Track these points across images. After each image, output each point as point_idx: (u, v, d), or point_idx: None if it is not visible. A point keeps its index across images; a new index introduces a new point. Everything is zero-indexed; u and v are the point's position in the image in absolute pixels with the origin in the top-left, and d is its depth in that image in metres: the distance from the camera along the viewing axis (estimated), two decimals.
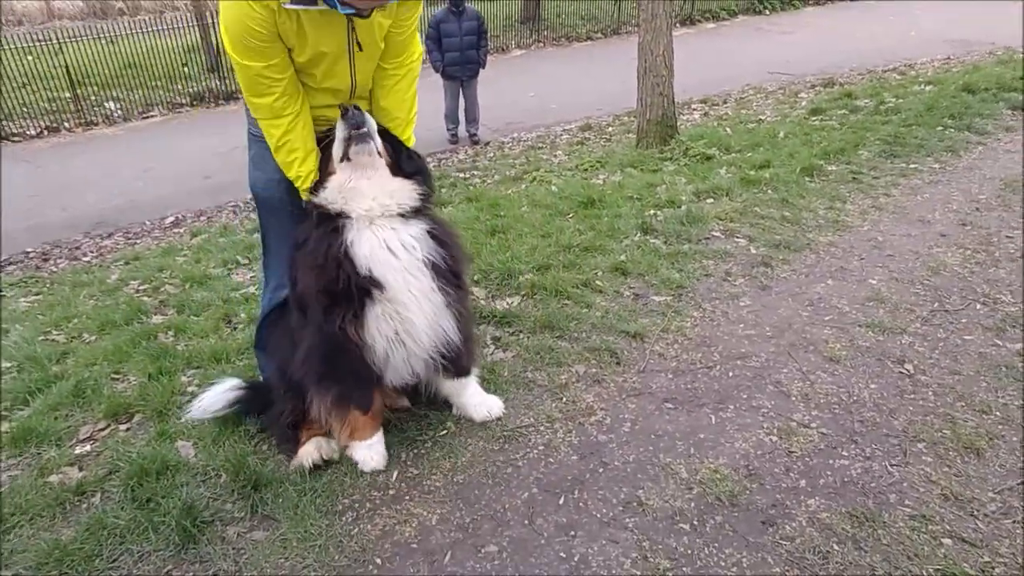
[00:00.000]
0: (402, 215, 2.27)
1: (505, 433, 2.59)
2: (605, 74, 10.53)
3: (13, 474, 2.56)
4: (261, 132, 2.31)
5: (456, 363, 2.51)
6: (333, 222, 2.23)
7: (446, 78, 8.68)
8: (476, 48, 8.64)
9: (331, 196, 2.23)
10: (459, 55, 8.46)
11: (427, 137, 8.37)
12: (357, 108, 2.17)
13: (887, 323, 3.19)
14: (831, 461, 2.41)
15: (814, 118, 7.03)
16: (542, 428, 2.62)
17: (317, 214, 2.27)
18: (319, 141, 2.34)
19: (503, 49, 14.15)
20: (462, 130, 9.26)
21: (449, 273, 2.34)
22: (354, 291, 2.19)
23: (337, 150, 2.20)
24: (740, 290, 3.53)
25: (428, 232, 2.30)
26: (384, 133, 2.33)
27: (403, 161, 2.36)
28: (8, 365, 3.43)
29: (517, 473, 2.41)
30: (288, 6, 1.97)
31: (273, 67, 2.11)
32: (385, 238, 2.22)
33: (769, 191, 4.73)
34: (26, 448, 2.69)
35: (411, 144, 2.48)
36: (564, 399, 2.77)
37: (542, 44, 14.77)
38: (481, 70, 8.89)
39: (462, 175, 7.62)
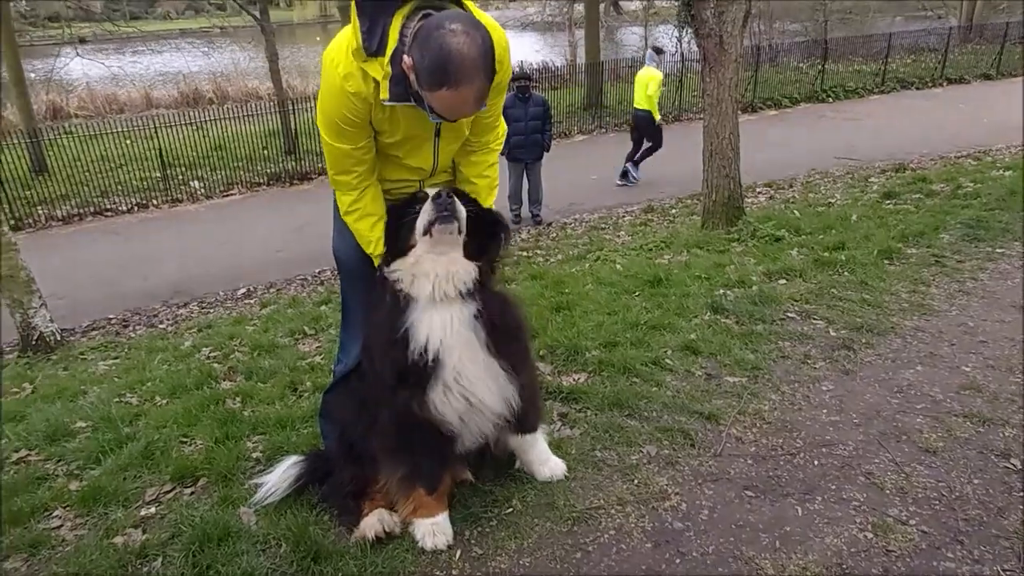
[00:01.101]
0: (461, 294, 2.27)
1: (574, 514, 2.45)
2: (667, 158, 10.64)
3: (80, 533, 2.57)
4: None
5: (522, 421, 2.50)
6: (400, 301, 2.25)
7: (511, 160, 8.93)
8: (541, 132, 8.91)
9: (400, 274, 2.26)
10: (524, 138, 8.72)
11: None
12: (450, 195, 2.20)
13: (986, 413, 2.95)
14: (935, 563, 2.18)
15: (888, 202, 6.86)
16: (613, 511, 2.48)
17: (389, 290, 2.29)
18: (396, 212, 2.37)
19: (566, 134, 14.56)
20: (525, 210, 9.44)
21: (509, 345, 2.33)
22: (418, 370, 2.20)
23: (421, 224, 2.23)
24: (821, 373, 3.35)
25: (482, 310, 2.28)
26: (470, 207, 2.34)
27: (481, 232, 2.34)
28: (84, 424, 3.51)
29: (587, 559, 2.27)
30: (387, 103, 2.06)
31: (359, 149, 2.20)
32: (445, 319, 2.22)
33: (845, 273, 4.57)
34: (94, 507, 2.70)
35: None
36: (636, 481, 2.63)
37: (604, 130, 15.15)
38: (545, 153, 9.12)
39: (525, 254, 7.69)
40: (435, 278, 2.22)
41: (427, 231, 2.21)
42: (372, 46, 2.00)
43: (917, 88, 17.84)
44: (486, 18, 2.11)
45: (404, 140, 2.23)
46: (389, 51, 2.00)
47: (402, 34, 1.98)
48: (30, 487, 2.91)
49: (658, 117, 10.07)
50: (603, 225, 8.86)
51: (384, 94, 2.04)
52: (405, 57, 1.94)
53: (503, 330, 2.31)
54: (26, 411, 3.96)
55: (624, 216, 9.22)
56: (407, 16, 1.99)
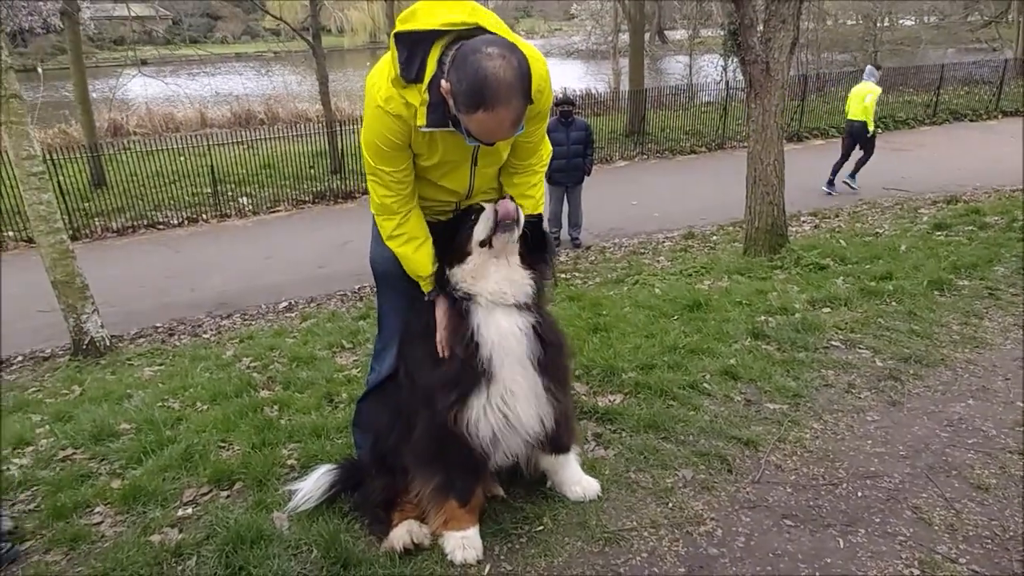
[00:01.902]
0: (517, 306, 2.29)
1: (606, 535, 2.41)
2: (709, 186, 10.59)
3: (119, 530, 2.62)
4: None
5: (555, 441, 2.50)
6: (460, 305, 2.27)
7: (552, 183, 8.96)
8: (583, 156, 8.93)
9: (461, 277, 2.28)
10: (565, 162, 8.75)
11: None
12: (513, 200, 2.24)
13: None
14: None
15: (939, 233, 6.67)
16: (646, 534, 2.42)
17: (445, 296, 2.30)
18: (451, 223, 2.40)
19: (607, 159, 14.59)
20: (564, 233, 9.44)
21: (554, 365, 2.34)
22: (473, 374, 2.21)
23: (480, 233, 2.25)
24: (866, 404, 3.24)
25: (537, 324, 2.32)
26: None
27: (534, 248, 2.37)
28: (128, 426, 3.61)
29: None
30: (423, 129, 2.10)
31: (401, 171, 2.24)
32: (505, 325, 2.25)
33: (893, 303, 4.44)
34: (134, 506, 2.75)
35: None
36: (670, 504, 2.57)
37: (646, 156, 15.13)
38: (586, 177, 9.14)
39: (564, 276, 7.68)
40: (497, 283, 2.26)
41: (487, 241, 2.24)
42: (411, 74, 2.04)
43: (971, 120, 17.41)
44: (528, 48, 2.13)
45: (441, 163, 2.27)
46: (427, 79, 2.04)
47: (440, 62, 2.02)
48: (74, 483, 2.99)
49: (872, 128, 10.62)
50: (642, 250, 8.81)
51: (421, 120, 2.08)
52: (443, 81, 1.98)
53: (551, 348, 2.32)
54: (74, 411, 4.09)
55: (664, 242, 9.15)
56: (445, 46, 2.03)
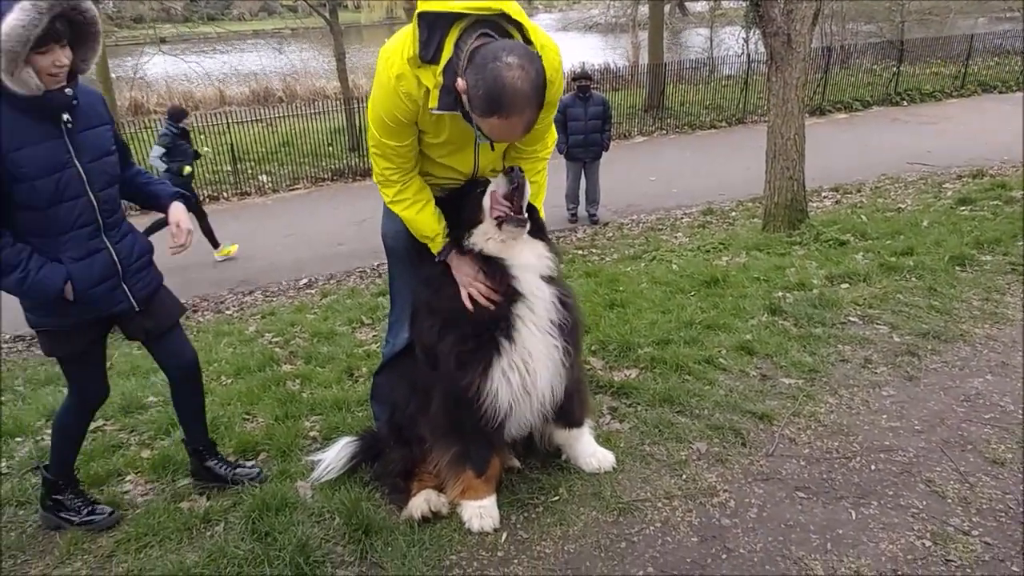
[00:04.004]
0: (543, 277, 2.36)
1: (620, 505, 2.46)
2: (728, 161, 10.46)
3: (149, 498, 2.72)
4: None
5: (569, 415, 2.55)
6: (493, 262, 2.31)
7: (569, 159, 8.93)
8: (601, 132, 8.86)
9: (481, 241, 2.32)
10: (583, 138, 8.70)
11: (547, 215, 8.60)
12: (521, 171, 2.28)
13: None
14: None
15: (962, 208, 6.57)
16: (659, 504, 2.47)
17: (469, 255, 2.34)
18: (449, 198, 2.43)
19: (626, 135, 14.46)
20: (582, 210, 9.42)
21: (570, 334, 2.39)
22: (494, 336, 2.27)
23: (489, 207, 2.29)
24: (882, 379, 3.24)
25: (560, 295, 2.38)
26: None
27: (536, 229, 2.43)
28: (155, 399, 3.71)
29: (632, 549, 2.27)
30: (435, 111, 2.12)
31: (404, 147, 2.28)
32: (536, 291, 2.32)
33: (913, 279, 4.40)
34: (163, 475, 2.86)
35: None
36: (684, 476, 2.61)
37: (664, 131, 14.97)
38: (604, 153, 9.08)
39: (581, 252, 7.69)
40: (522, 253, 2.32)
41: (498, 225, 2.29)
42: (428, 55, 2.06)
43: (1000, 92, 16.96)
44: (542, 35, 2.14)
45: (447, 143, 2.30)
46: (443, 62, 2.05)
47: (457, 47, 2.03)
48: (105, 453, 3.10)
49: None
50: (660, 226, 8.78)
51: (433, 103, 2.10)
52: (459, 80, 2.01)
53: (570, 320, 2.37)
54: None
55: (682, 218, 9.10)
56: (464, 30, 2.04)
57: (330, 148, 13.63)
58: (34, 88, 2.09)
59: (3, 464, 3.12)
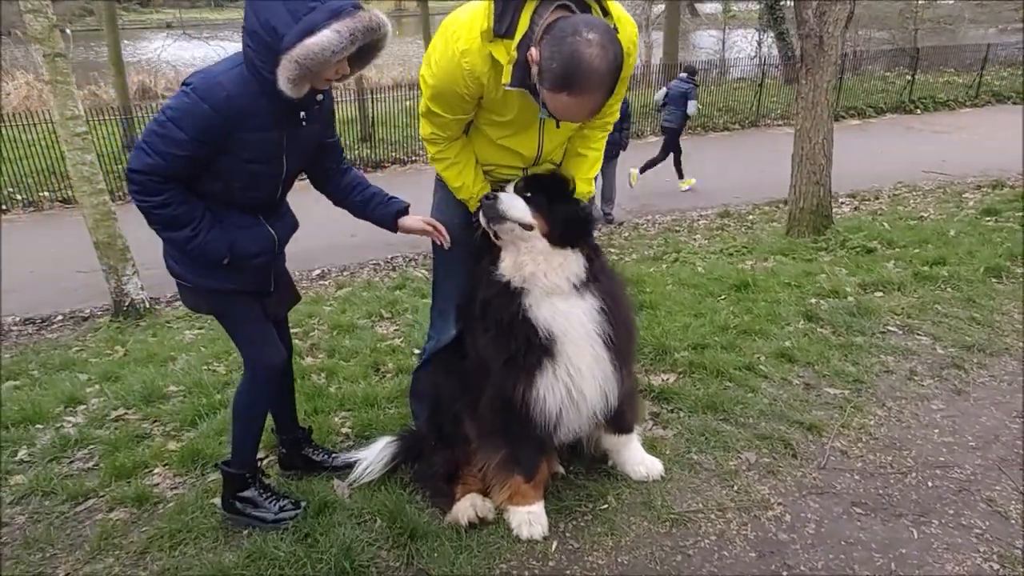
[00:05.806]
0: (576, 287, 2.24)
1: (672, 516, 2.37)
2: (743, 164, 10.36)
3: (179, 492, 2.63)
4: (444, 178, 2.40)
5: (619, 421, 2.47)
6: (512, 290, 2.24)
7: None
8: (618, 131, 8.76)
9: (508, 271, 2.25)
10: None
11: None
12: (494, 196, 2.18)
13: None
14: None
15: (987, 218, 6.49)
16: (713, 516, 2.39)
17: (499, 285, 2.26)
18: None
19: (639, 134, 14.36)
20: (597, 209, 9.32)
21: (618, 345, 2.29)
22: (532, 353, 2.18)
23: (488, 229, 2.24)
24: (929, 391, 3.16)
25: (601, 307, 2.26)
26: (552, 195, 2.29)
27: (562, 223, 2.27)
28: (176, 389, 3.62)
29: (688, 563, 2.19)
30: (507, 87, 2.04)
31: (454, 119, 2.22)
32: (561, 310, 2.21)
33: (949, 289, 4.33)
34: (192, 468, 2.76)
35: (587, 194, 2.47)
36: (735, 487, 2.53)
37: None
38: (621, 152, 8.98)
39: None
40: (543, 273, 2.21)
41: (495, 236, 2.22)
42: (502, 29, 1.98)
43: (1014, 103, 16.88)
44: (618, 8, 2.06)
45: (513, 122, 2.21)
46: (518, 36, 1.97)
47: (533, 21, 1.95)
48: (130, 444, 3.00)
49: None
50: (677, 227, 8.69)
51: (506, 78, 2.02)
52: (532, 50, 1.92)
53: (618, 327, 2.27)
54: (120, 372, 4.11)
55: (699, 220, 9.01)
56: (540, 2, 1.96)
57: (341, 139, 13.49)
58: (302, 94, 2.02)
59: (23, 452, 3.02)
